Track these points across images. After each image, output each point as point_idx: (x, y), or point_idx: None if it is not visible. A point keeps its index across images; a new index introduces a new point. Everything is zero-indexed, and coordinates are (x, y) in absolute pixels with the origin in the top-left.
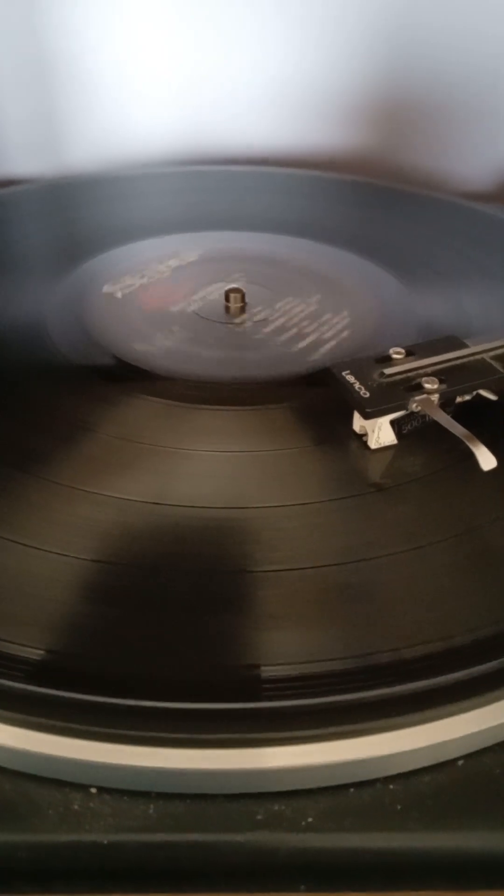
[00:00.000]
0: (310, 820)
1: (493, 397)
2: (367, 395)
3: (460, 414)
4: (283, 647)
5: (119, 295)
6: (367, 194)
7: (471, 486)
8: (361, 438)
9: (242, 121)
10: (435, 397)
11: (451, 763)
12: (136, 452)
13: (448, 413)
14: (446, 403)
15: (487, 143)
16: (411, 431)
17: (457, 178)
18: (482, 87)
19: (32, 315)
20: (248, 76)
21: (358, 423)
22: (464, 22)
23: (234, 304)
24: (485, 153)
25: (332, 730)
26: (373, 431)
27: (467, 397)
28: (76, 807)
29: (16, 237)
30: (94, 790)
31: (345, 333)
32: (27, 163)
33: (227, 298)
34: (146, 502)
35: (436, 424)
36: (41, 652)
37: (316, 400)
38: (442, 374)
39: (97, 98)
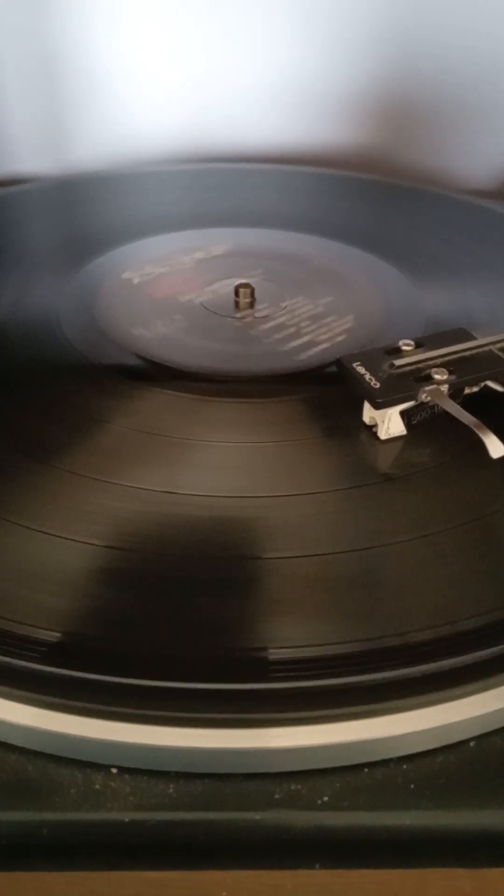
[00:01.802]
0: (325, 799)
1: (500, 388)
2: (378, 385)
3: (468, 405)
4: (298, 630)
5: (136, 281)
6: (375, 191)
7: (478, 475)
8: (371, 429)
9: (248, 118)
10: (444, 387)
11: (462, 744)
12: (148, 443)
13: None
14: (455, 394)
15: (492, 141)
16: (420, 422)
17: (461, 176)
18: (486, 85)
19: (45, 310)
20: (254, 74)
21: (368, 413)
22: (468, 20)
23: (244, 300)
24: (489, 151)
25: (346, 710)
26: (383, 422)
27: (475, 389)
28: (97, 786)
29: (26, 235)
30: (114, 770)
31: (353, 326)
32: (33, 161)
33: (236, 293)
34: (158, 491)
35: (444, 416)
36: (61, 634)
37: (326, 392)
38: (451, 366)
39: (102, 96)
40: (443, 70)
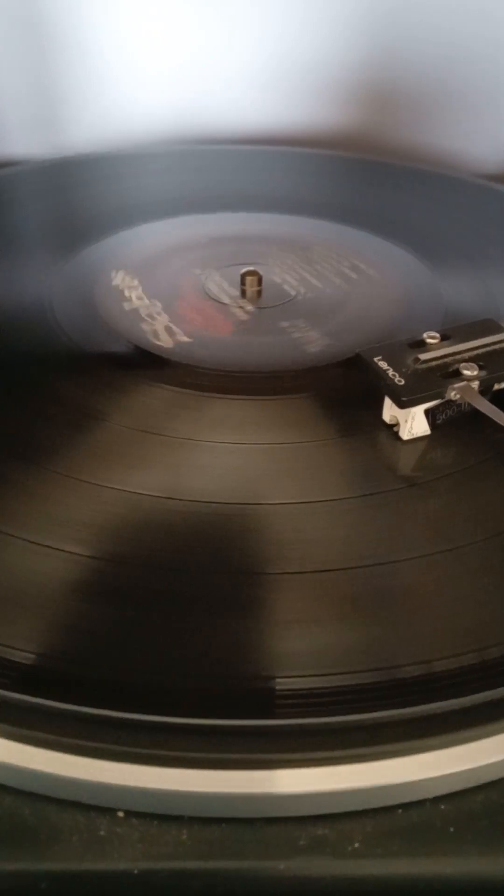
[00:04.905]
0: (356, 845)
1: None
2: (403, 382)
3: (495, 401)
4: (318, 659)
5: (134, 268)
6: (382, 174)
7: None
8: (392, 429)
9: (245, 99)
10: (475, 384)
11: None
12: (147, 444)
13: None
14: (484, 391)
15: (497, 123)
16: (446, 421)
17: (467, 159)
18: (490, 65)
19: (38, 299)
20: (251, 53)
21: (389, 412)
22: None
23: (251, 288)
24: (492, 133)
25: (376, 749)
26: (406, 421)
27: (503, 384)
28: (102, 832)
29: (18, 220)
30: (121, 814)
31: (369, 316)
32: (26, 143)
33: (242, 282)
34: (157, 497)
35: (470, 413)
36: (45, 658)
37: (341, 388)
38: (480, 360)
39: (96, 76)
40: (443, 53)
